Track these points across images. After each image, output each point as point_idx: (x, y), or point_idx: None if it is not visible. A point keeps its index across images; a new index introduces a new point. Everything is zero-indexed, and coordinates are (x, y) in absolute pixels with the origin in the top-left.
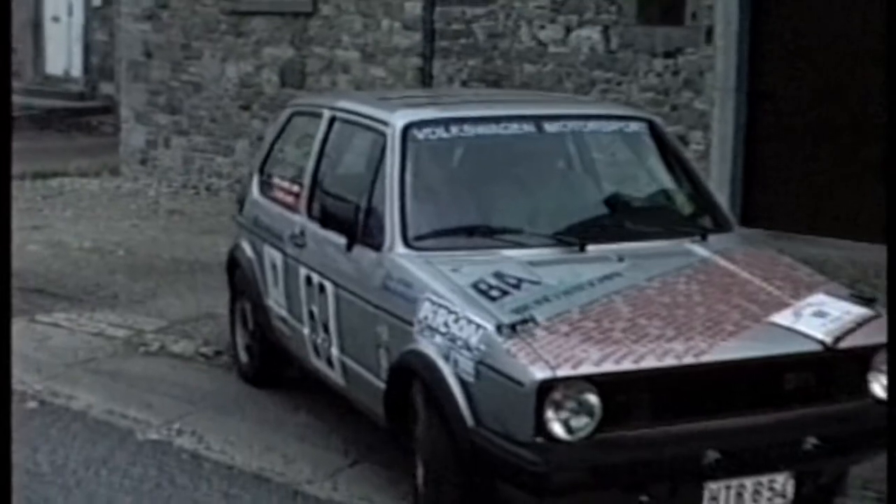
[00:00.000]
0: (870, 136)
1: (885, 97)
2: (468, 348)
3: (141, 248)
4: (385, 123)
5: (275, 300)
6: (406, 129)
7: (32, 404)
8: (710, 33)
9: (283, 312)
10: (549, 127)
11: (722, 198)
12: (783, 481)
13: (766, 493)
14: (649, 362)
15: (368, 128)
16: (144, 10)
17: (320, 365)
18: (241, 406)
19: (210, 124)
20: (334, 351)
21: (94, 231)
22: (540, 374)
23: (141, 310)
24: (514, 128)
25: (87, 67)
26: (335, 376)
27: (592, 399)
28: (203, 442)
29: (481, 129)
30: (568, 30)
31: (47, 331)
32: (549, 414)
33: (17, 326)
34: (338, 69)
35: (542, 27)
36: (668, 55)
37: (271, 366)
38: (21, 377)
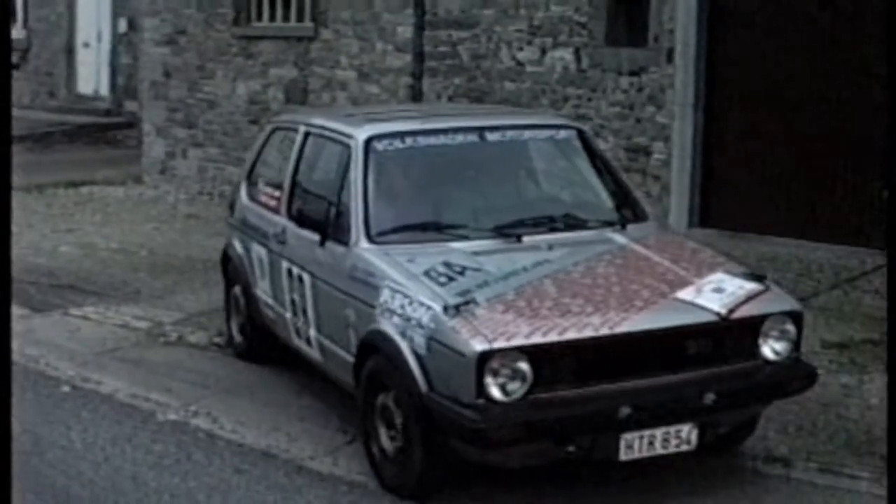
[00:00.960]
0: (816, 145)
1: (859, 106)
2: (421, 326)
3: (161, 249)
4: (350, 137)
5: (262, 290)
6: (368, 142)
7: (65, 388)
8: (670, 54)
9: (270, 300)
10: (491, 136)
11: (682, 201)
12: (688, 431)
13: (674, 441)
14: (571, 334)
15: (336, 141)
16: (164, 35)
17: (301, 344)
18: (250, 390)
19: (223, 137)
20: (312, 332)
21: (120, 233)
22: (479, 346)
23: (161, 304)
24: (460, 138)
25: (113, 87)
26: (313, 353)
27: (524, 366)
28: (217, 422)
29: (432, 140)
30: (543, 51)
31: (78, 323)
32: (488, 379)
33: (52, 319)
34: (336, 87)
35: (521, 49)
36: (633, 74)
37: (260, 345)
38: (55, 364)
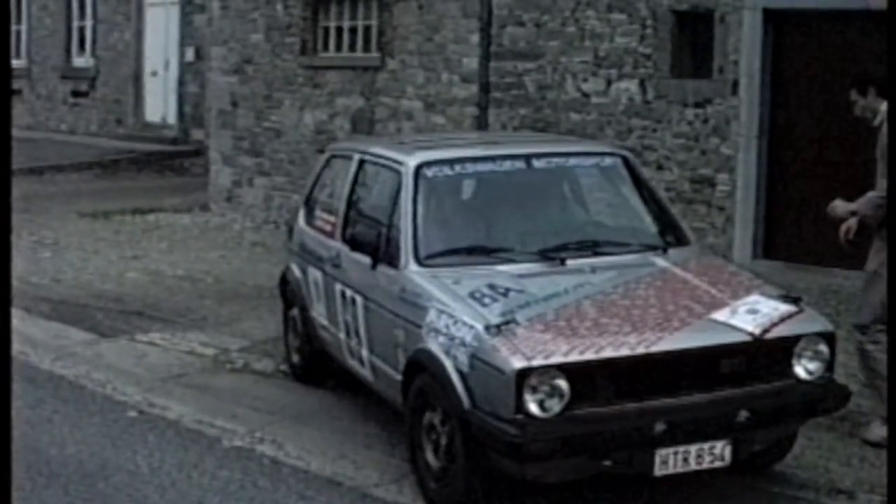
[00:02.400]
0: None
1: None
2: (464, 345)
3: (227, 277)
4: (401, 164)
5: (318, 312)
6: (418, 169)
7: (132, 413)
8: (735, 86)
9: (325, 322)
10: (537, 163)
11: (746, 233)
12: (721, 447)
13: (708, 458)
14: (608, 353)
15: (388, 167)
16: (232, 64)
17: (354, 364)
18: (316, 417)
19: (289, 166)
20: (364, 352)
21: (186, 261)
22: (518, 363)
23: (227, 331)
24: (507, 165)
25: (181, 115)
26: (365, 373)
27: (562, 383)
28: (282, 449)
29: (480, 167)
30: (609, 82)
31: (145, 349)
32: (527, 396)
33: (119, 345)
34: (402, 117)
35: (586, 80)
36: (697, 105)
37: (316, 365)
38: (122, 389)
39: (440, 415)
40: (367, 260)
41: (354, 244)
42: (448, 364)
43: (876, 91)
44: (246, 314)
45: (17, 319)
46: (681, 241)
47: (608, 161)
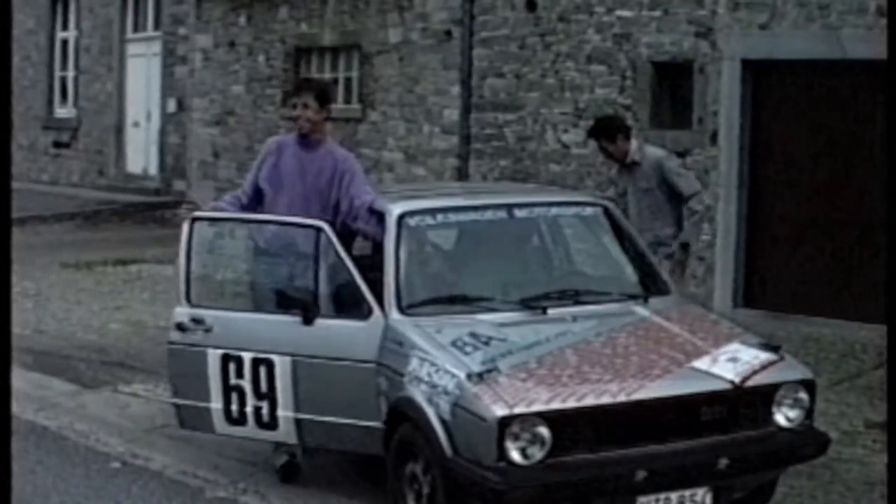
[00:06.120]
0: (859, 227)
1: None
2: (446, 393)
3: None
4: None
5: None
6: (401, 218)
7: (116, 464)
8: (714, 136)
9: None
10: (519, 213)
11: (726, 282)
12: (702, 495)
13: None
14: (589, 400)
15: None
16: (213, 115)
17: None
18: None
19: None
20: (280, 413)
21: (168, 311)
22: (500, 411)
23: None
24: (489, 214)
25: (162, 166)
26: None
27: (543, 431)
28: (265, 500)
29: (463, 216)
30: (588, 133)
31: (128, 400)
32: (509, 443)
33: (102, 396)
34: (384, 168)
35: (566, 131)
36: (678, 155)
37: None
38: (105, 440)
39: (422, 464)
40: (295, 318)
41: (282, 301)
42: (430, 412)
43: (623, 135)
44: None
45: None
46: (661, 290)
47: (589, 211)
